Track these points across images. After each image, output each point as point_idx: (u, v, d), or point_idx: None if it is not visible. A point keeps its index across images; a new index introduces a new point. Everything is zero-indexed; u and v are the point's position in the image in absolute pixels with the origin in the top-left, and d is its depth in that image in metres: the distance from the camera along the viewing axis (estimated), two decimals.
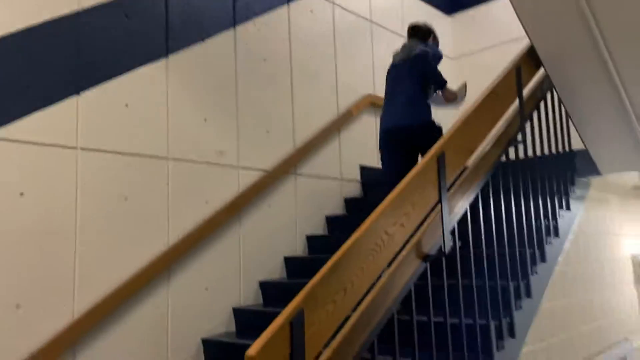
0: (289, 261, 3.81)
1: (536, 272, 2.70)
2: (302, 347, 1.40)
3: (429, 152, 2.03)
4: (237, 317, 3.41)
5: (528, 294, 2.60)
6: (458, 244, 2.17)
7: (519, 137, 2.66)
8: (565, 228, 3.12)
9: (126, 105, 3.06)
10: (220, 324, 3.35)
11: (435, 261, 2.02)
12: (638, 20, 2.34)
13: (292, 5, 4.17)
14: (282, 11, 4.09)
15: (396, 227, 1.84)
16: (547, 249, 2.85)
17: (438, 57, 3.52)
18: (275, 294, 3.58)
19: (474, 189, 2.28)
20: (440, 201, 2.02)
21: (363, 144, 4.60)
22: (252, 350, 1.30)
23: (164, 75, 3.26)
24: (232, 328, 3.39)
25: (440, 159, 2.02)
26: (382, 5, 5.05)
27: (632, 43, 2.42)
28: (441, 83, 3.31)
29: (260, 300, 3.59)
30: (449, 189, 2.08)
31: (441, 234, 2.01)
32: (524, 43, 2.90)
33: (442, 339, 2.05)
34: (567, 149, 3.28)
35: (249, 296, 3.54)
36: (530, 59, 2.83)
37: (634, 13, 2.30)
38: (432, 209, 2.02)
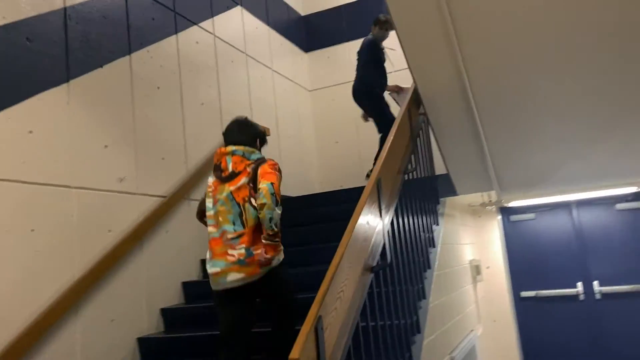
0: (187, 286, 3.86)
1: (426, 277, 3.26)
2: (324, 348, 1.64)
3: (370, 180, 2.43)
4: (142, 347, 3.37)
5: (424, 296, 3.14)
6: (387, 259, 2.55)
7: (411, 164, 3.21)
8: (437, 240, 3.78)
9: (30, 132, 2.90)
10: (127, 355, 3.28)
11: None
12: (499, 74, 3.06)
13: (180, 35, 4.27)
14: (171, 40, 4.16)
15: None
16: (430, 257, 3.44)
17: (370, 42, 4.85)
18: (176, 320, 3.61)
19: (392, 210, 2.73)
20: (381, 218, 2.42)
21: None
22: (294, 354, 1.52)
23: (66, 100, 3.15)
24: (138, 358, 3.34)
25: (379, 185, 2.43)
26: (254, 39, 5.38)
27: (493, 96, 3.15)
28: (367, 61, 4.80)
29: (162, 328, 3.59)
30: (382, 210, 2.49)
31: (381, 248, 2.41)
32: None
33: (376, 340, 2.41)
34: (434, 173, 3.99)
35: (152, 324, 3.51)
36: (414, 102, 3.43)
37: (498, 69, 3.01)
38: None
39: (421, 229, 3.36)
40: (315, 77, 6.44)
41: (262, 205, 2.36)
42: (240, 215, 2.48)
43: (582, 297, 5.45)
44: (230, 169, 2.59)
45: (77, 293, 2.98)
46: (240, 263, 2.41)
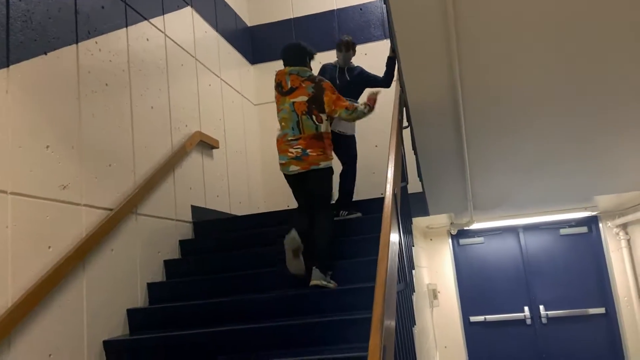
0: (132, 314, 3.35)
1: (412, 302, 3.03)
2: None
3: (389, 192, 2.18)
4: None
5: (414, 322, 2.90)
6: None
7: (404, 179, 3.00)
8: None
9: None
10: None
11: None
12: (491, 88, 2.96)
13: (131, 29, 3.81)
14: (121, 34, 3.69)
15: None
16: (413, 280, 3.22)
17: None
18: (119, 353, 3.09)
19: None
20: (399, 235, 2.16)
21: (194, 182, 4.39)
22: None
23: (5, 88, 2.61)
24: None
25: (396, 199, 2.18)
26: (204, 44, 4.99)
27: (484, 115, 3.04)
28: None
29: None
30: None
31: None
32: None
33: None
34: (407, 191, 3.80)
35: (93, 358, 2.96)
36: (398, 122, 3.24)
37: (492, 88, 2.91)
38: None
39: (405, 249, 3.14)
40: (262, 91, 6.11)
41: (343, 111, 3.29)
42: (298, 123, 3.30)
43: (528, 321, 5.50)
44: (289, 85, 3.37)
45: (8, 324, 2.42)
46: (297, 159, 3.28)
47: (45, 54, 2.95)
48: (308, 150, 3.25)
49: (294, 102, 3.31)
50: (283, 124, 3.39)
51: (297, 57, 3.44)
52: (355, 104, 3.44)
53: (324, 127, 3.34)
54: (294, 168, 3.29)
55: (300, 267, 3.13)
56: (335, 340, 2.68)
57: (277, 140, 3.42)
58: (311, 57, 3.53)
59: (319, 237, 3.21)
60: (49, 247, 2.76)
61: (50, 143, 2.87)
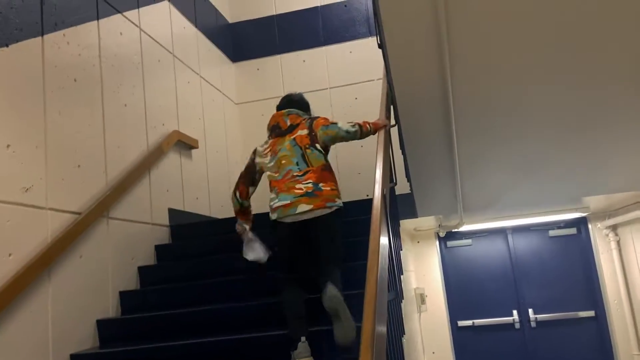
0: (103, 325, 3.13)
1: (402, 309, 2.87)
2: None
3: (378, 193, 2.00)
4: None
5: (403, 331, 2.73)
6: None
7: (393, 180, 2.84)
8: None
9: None
10: None
11: None
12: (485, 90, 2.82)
13: (102, 22, 3.59)
14: (92, 27, 3.48)
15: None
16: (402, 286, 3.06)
17: None
18: None
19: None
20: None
21: (172, 184, 4.19)
22: None
23: None
24: None
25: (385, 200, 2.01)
26: (182, 41, 4.78)
27: (475, 111, 2.89)
28: None
29: None
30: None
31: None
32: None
33: None
34: (395, 192, 3.63)
35: None
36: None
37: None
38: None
39: (394, 254, 2.98)
40: (243, 90, 5.92)
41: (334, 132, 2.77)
42: (303, 156, 2.74)
43: (517, 325, 5.38)
44: (288, 123, 2.90)
45: None
46: (308, 195, 2.59)
47: (7, 46, 2.73)
48: (320, 185, 2.63)
49: (294, 138, 2.81)
50: (284, 162, 2.76)
51: (297, 103, 3.04)
52: (336, 127, 2.83)
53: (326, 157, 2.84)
54: (304, 208, 2.58)
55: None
56: (320, 351, 2.51)
57: (273, 183, 2.77)
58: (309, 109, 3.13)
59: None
60: (10, 255, 2.54)
61: (11, 142, 2.65)
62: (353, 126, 2.80)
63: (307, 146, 2.76)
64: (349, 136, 2.79)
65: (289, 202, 2.61)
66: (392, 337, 2.23)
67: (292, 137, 2.82)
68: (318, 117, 2.93)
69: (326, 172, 2.72)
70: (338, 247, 2.62)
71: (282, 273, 2.71)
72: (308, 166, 2.70)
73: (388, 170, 2.53)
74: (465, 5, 2.38)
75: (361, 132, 2.81)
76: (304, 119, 2.91)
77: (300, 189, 2.62)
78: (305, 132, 2.82)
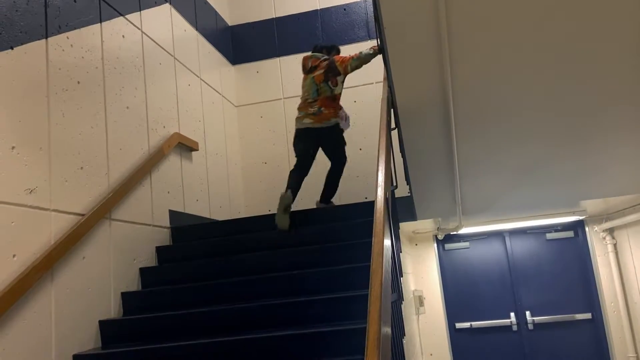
0: (105, 325, 3.15)
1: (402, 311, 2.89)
2: None
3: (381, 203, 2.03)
4: None
5: (403, 333, 2.76)
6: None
7: (394, 182, 2.87)
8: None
9: None
10: None
11: None
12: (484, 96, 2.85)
13: (105, 25, 3.62)
14: (95, 29, 3.50)
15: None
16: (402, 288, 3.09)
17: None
18: None
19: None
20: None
21: (172, 186, 4.20)
22: None
23: None
24: None
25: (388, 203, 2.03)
26: (183, 43, 4.81)
27: (474, 114, 2.93)
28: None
29: None
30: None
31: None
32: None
33: None
34: (395, 195, 3.67)
35: None
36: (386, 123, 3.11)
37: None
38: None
39: (395, 256, 3.00)
40: (243, 92, 5.95)
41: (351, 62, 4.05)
42: (317, 90, 4.04)
43: (515, 327, 5.41)
44: (310, 65, 4.17)
45: None
46: (312, 114, 3.99)
47: (12, 48, 2.75)
48: (322, 109, 3.96)
49: (314, 77, 4.07)
50: (305, 94, 4.10)
51: (323, 48, 4.27)
52: (359, 52, 4.06)
53: (338, 90, 4.04)
54: (307, 121, 3.97)
55: (286, 224, 3.60)
56: (325, 353, 2.53)
57: (299, 105, 4.13)
58: (337, 52, 4.31)
59: (332, 182, 4.10)
60: (14, 256, 2.56)
61: (15, 144, 2.68)
62: (370, 49, 4.07)
63: (321, 81, 4.04)
64: (370, 57, 4.04)
65: (301, 115, 4.06)
66: (394, 338, 2.25)
67: (312, 75, 4.11)
68: (334, 58, 4.12)
69: (329, 100, 4.01)
70: (341, 142, 4.12)
71: (297, 158, 4.05)
72: (319, 96, 4.02)
73: (389, 173, 2.56)
74: (466, 11, 2.42)
75: (374, 51, 4.02)
76: (322, 60, 4.12)
77: (310, 110, 4.01)
78: (321, 71, 4.06)
